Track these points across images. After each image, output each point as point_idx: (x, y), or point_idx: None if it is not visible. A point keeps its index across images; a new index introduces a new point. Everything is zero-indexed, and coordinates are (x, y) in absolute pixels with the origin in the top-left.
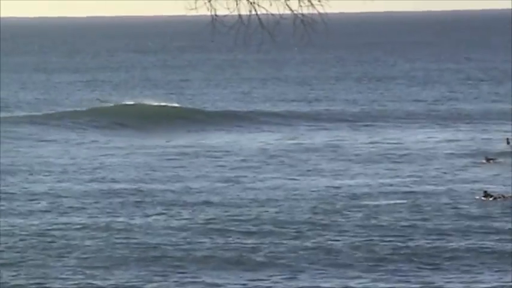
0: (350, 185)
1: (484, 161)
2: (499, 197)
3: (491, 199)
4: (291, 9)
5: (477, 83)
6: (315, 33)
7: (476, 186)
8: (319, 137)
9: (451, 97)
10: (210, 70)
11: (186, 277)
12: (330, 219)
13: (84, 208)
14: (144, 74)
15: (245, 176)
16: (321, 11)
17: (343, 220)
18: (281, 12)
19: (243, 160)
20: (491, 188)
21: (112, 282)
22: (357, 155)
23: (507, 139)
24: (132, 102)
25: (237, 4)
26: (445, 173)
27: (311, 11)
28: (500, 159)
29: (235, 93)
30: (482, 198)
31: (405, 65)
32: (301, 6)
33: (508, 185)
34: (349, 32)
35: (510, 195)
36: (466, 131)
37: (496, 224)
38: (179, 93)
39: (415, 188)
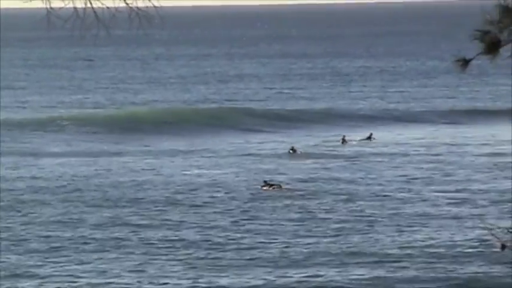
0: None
1: (291, 151)
2: (277, 187)
3: (270, 188)
4: (126, 2)
5: (329, 81)
6: (151, 26)
7: (265, 176)
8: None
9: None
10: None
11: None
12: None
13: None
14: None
15: None
16: (156, 4)
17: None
18: (116, 5)
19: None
20: (278, 178)
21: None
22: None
23: (343, 137)
24: None
25: None
26: (251, 164)
27: (146, 4)
28: (307, 152)
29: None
30: (263, 187)
31: (246, 62)
32: None
33: (293, 175)
34: (186, 25)
35: (287, 186)
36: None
37: (256, 211)
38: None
39: (203, 180)
